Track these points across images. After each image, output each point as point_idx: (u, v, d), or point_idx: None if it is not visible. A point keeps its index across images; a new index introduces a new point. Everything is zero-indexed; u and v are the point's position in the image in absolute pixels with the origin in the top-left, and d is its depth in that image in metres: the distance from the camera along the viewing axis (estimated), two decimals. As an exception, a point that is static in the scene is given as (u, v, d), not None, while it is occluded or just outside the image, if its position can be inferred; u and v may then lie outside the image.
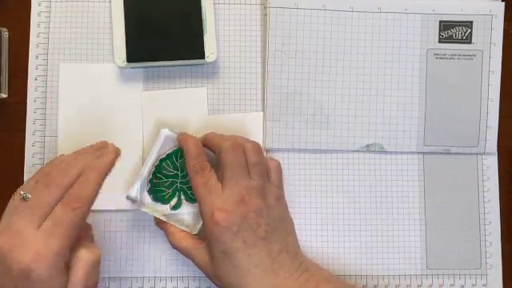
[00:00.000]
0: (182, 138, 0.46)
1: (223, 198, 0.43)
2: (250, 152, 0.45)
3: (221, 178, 0.44)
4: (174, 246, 0.46)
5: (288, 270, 0.43)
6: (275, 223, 0.44)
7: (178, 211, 0.47)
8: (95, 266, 0.39)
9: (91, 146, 0.45)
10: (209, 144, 0.47)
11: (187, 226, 0.48)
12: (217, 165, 0.45)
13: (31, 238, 0.37)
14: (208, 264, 0.43)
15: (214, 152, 0.46)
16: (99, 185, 0.41)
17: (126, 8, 0.48)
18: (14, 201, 0.40)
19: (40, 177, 0.41)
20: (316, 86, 0.51)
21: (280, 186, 0.47)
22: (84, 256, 0.39)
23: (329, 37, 0.51)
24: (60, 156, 0.45)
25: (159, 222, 0.47)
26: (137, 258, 0.49)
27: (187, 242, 0.45)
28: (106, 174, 0.42)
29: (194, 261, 0.45)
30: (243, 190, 0.43)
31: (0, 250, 0.37)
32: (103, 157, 0.43)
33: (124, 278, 0.49)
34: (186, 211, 0.47)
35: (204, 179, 0.44)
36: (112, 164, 0.43)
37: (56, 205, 0.38)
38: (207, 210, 0.43)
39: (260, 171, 0.45)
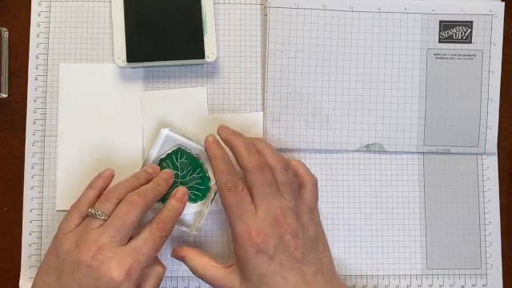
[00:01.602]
0: (211, 147, 0.44)
1: (258, 219, 0.41)
2: (278, 171, 0.43)
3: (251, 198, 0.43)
4: (200, 277, 0.45)
5: None
6: (311, 243, 0.43)
7: None
8: (162, 278, 0.44)
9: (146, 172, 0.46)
10: (230, 148, 0.45)
11: (187, 226, 0.48)
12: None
13: (122, 253, 0.40)
14: None
15: (237, 160, 0.44)
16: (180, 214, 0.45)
17: (126, 8, 0.48)
18: (74, 217, 0.42)
19: (111, 193, 0.43)
20: (316, 86, 0.51)
21: (314, 204, 0.45)
22: (159, 269, 0.44)
23: (329, 37, 0.51)
24: (107, 171, 0.46)
25: (176, 251, 0.46)
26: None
27: (214, 271, 0.44)
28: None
29: (221, 287, 0.43)
30: (277, 210, 0.42)
31: (89, 262, 0.39)
32: (183, 188, 0.46)
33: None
34: (187, 211, 0.47)
35: (238, 198, 0.42)
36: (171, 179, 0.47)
37: (137, 222, 0.42)
38: (243, 232, 0.41)
39: (291, 190, 0.43)
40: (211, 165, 0.45)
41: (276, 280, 0.41)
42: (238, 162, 0.44)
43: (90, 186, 0.45)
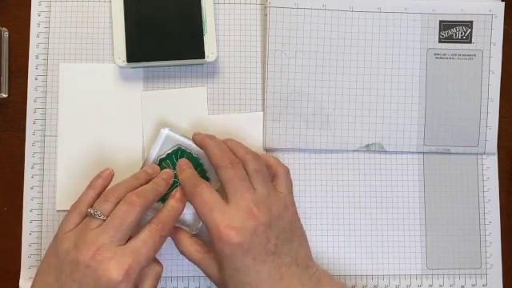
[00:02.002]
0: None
1: (231, 214, 0.41)
2: (248, 162, 0.43)
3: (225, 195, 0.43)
4: (182, 252, 0.45)
5: (297, 284, 0.42)
6: (285, 234, 0.43)
7: None
8: (160, 278, 0.44)
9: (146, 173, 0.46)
10: (203, 150, 0.46)
11: (187, 226, 0.48)
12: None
13: (121, 253, 0.40)
14: (217, 276, 0.43)
15: (210, 159, 0.45)
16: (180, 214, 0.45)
17: (126, 8, 0.48)
18: (74, 217, 0.42)
19: (110, 194, 0.43)
20: (316, 86, 0.51)
21: (288, 194, 0.45)
22: (157, 268, 0.43)
23: (329, 37, 0.51)
24: (106, 170, 0.46)
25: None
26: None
27: (195, 249, 0.44)
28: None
29: (202, 270, 0.44)
30: (250, 203, 0.42)
31: (88, 262, 0.39)
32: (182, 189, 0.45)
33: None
34: (186, 211, 0.47)
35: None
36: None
37: (136, 222, 0.42)
38: (216, 227, 0.41)
39: (263, 178, 0.43)
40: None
41: (250, 274, 0.41)
42: (210, 160, 0.44)
43: (89, 186, 0.45)
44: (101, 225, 0.41)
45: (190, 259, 0.45)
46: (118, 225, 0.41)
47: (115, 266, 0.39)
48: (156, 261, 0.44)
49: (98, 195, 0.44)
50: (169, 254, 0.49)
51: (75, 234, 0.41)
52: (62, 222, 0.43)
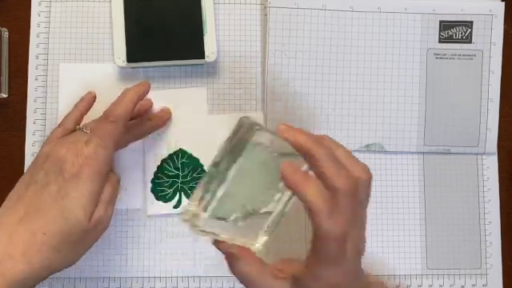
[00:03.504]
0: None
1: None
2: (362, 186, 0.35)
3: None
4: (243, 275, 0.36)
5: None
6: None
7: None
8: (118, 185, 0.45)
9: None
10: (306, 157, 0.34)
11: (251, 239, 0.37)
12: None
13: (84, 148, 0.41)
14: None
15: (319, 175, 0.34)
16: (133, 104, 0.44)
17: (126, 8, 0.48)
18: (59, 133, 0.44)
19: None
20: (316, 86, 0.51)
21: None
22: (114, 177, 0.44)
23: (329, 37, 0.51)
24: (89, 94, 0.47)
25: (220, 243, 0.36)
26: (136, 258, 0.49)
27: (263, 272, 0.35)
28: (139, 96, 0.44)
29: None
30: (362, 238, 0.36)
31: (60, 155, 0.40)
32: (140, 84, 0.45)
33: (124, 278, 0.49)
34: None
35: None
36: (147, 91, 0.45)
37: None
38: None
39: (367, 203, 0.37)
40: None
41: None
42: (319, 176, 0.34)
43: (75, 107, 0.46)
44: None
45: (254, 284, 0.36)
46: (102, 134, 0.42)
47: (78, 158, 0.40)
48: (112, 171, 0.45)
49: (82, 116, 0.45)
50: (169, 254, 0.49)
51: (63, 140, 0.42)
52: (46, 139, 0.44)
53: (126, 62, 0.48)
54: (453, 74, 0.51)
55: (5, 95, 0.50)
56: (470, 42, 0.51)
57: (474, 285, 0.51)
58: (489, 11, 0.51)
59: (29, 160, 0.50)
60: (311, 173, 0.34)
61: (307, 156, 0.34)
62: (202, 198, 0.35)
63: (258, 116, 0.51)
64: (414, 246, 0.51)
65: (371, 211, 0.51)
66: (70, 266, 0.40)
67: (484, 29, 0.51)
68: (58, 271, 0.39)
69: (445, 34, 0.51)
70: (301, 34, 0.50)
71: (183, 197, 0.48)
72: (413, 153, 0.51)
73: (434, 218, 0.51)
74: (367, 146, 0.51)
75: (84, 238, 0.40)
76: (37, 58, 0.50)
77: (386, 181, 0.51)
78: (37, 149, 0.50)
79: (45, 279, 0.38)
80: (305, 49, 0.50)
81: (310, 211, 0.33)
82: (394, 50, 0.51)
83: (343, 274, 0.34)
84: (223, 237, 0.36)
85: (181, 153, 0.48)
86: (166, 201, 0.48)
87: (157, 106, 0.50)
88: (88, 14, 0.50)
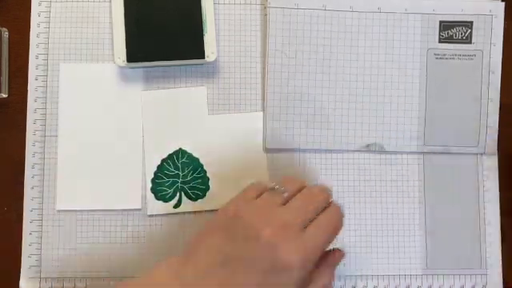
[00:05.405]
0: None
1: None
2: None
3: None
4: None
5: None
6: None
7: None
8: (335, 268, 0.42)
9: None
10: None
11: None
12: None
13: (300, 237, 0.36)
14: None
15: None
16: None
17: (126, 8, 0.48)
18: (253, 192, 0.39)
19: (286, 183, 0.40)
20: (316, 86, 0.51)
21: None
22: (332, 260, 0.41)
23: (329, 37, 0.51)
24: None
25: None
26: (136, 258, 0.49)
27: None
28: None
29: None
30: None
31: (269, 239, 0.36)
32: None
33: (124, 278, 0.49)
34: None
35: None
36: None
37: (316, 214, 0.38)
38: None
39: None
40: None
41: None
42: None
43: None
44: (284, 204, 0.38)
45: None
46: (304, 209, 0.38)
47: (295, 250, 0.35)
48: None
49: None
50: (169, 254, 0.49)
51: (256, 204, 0.38)
52: (237, 196, 0.40)
53: (125, 62, 0.48)
54: (453, 74, 0.51)
55: (5, 95, 0.50)
56: (470, 42, 0.51)
57: (474, 285, 0.51)
58: (489, 11, 0.51)
59: (29, 160, 0.49)
60: None
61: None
62: None
63: (258, 116, 0.51)
64: (414, 246, 0.51)
65: (371, 211, 0.51)
66: None
67: (484, 29, 0.51)
68: None
69: (445, 34, 0.51)
70: (301, 34, 0.50)
71: (183, 197, 0.48)
72: (413, 153, 0.51)
73: (433, 218, 0.51)
74: (367, 145, 0.51)
75: None
76: (37, 58, 0.50)
77: (386, 181, 0.51)
78: (37, 149, 0.50)
79: None
80: (305, 49, 0.51)
81: None
82: (394, 50, 0.51)
83: None
84: None
85: (181, 153, 0.48)
86: (166, 201, 0.48)
87: (157, 106, 0.50)
88: (88, 13, 0.50)
